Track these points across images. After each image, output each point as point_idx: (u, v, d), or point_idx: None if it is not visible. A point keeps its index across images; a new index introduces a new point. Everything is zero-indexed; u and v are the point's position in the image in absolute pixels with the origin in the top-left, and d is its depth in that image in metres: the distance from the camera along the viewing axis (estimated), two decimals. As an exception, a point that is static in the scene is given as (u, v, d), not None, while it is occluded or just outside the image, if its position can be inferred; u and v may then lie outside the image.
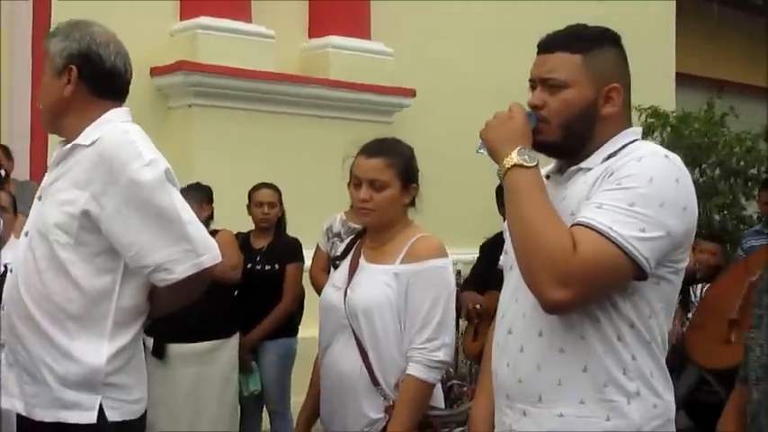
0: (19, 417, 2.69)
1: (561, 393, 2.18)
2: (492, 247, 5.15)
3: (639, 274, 2.08)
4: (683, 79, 11.43)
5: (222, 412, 5.18)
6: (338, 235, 5.32)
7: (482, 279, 5.36)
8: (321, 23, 8.08)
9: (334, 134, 7.29)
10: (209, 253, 2.64)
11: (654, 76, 10.64)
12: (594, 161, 2.24)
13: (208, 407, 5.09)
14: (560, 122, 2.23)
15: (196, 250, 2.60)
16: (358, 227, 4.98)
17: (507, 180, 2.16)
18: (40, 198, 2.71)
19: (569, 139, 2.25)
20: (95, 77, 2.69)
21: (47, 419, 2.58)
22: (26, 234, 2.70)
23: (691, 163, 10.18)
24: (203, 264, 2.61)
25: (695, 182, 8.03)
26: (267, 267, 5.49)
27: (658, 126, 10.23)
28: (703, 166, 10.22)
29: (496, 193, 5.10)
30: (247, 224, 5.77)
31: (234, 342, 5.27)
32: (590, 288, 2.06)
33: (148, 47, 6.94)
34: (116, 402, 2.61)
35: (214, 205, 5.53)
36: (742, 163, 10.00)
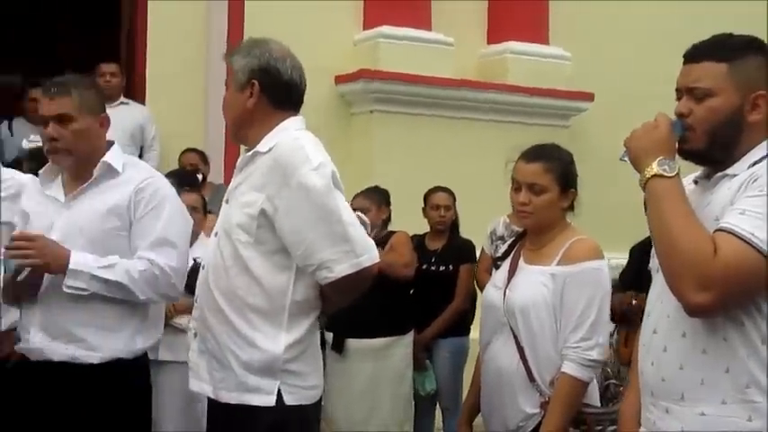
0: (208, 401, 2.92)
1: (703, 393, 2.21)
2: (641, 251, 5.13)
3: None
4: None
5: (396, 407, 5.30)
6: (502, 238, 5.35)
7: (630, 282, 5.32)
8: (499, 29, 8.10)
9: (511, 139, 7.05)
10: (368, 254, 2.78)
11: None
12: (740, 167, 2.26)
13: (383, 401, 5.22)
14: (706, 130, 2.27)
15: (355, 251, 2.75)
16: (521, 229, 5.09)
17: (648, 189, 2.24)
18: (227, 201, 2.93)
19: (715, 147, 2.29)
20: (274, 90, 2.88)
21: (232, 402, 2.79)
22: (215, 234, 2.92)
23: None
24: (361, 264, 2.75)
25: None
26: (441, 268, 5.61)
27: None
28: None
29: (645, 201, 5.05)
30: (423, 227, 5.90)
31: (408, 339, 5.39)
32: (731, 292, 2.10)
33: (333, 56, 7.20)
34: (293, 388, 2.78)
35: (392, 207, 5.65)
36: None
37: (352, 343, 5.13)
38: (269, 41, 2.98)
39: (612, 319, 5.54)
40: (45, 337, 3.11)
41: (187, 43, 7.34)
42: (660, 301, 2.35)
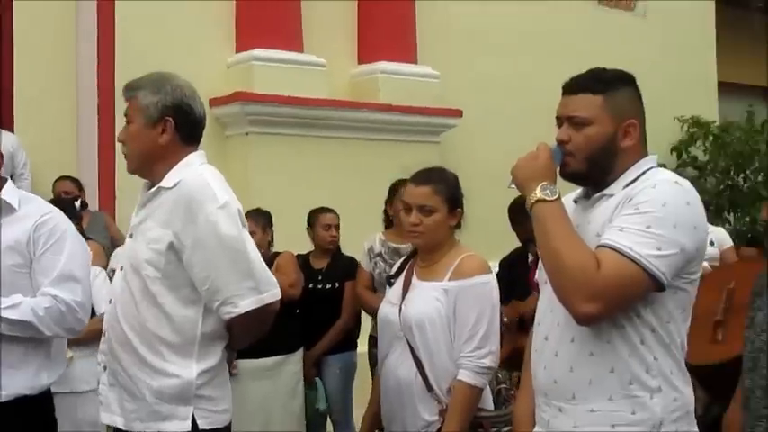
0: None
1: (592, 391, 2.43)
2: (510, 263, 5.43)
3: (658, 286, 2.34)
4: (725, 88, 11.45)
5: (289, 424, 5.38)
6: (380, 255, 5.48)
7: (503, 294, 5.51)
8: (370, 49, 8.23)
9: (384, 156, 7.52)
10: (271, 290, 2.88)
11: (696, 86, 10.80)
12: (616, 188, 2.50)
13: (275, 418, 5.29)
14: (585, 155, 2.50)
15: (258, 288, 2.84)
16: (399, 246, 5.27)
17: (534, 212, 2.45)
18: (131, 236, 2.98)
19: (593, 170, 2.52)
20: (187, 127, 2.96)
21: (147, 431, 2.85)
22: (121, 268, 2.96)
23: (734, 170, 10.32)
24: (264, 300, 2.85)
25: (739, 188, 8.35)
26: (328, 286, 5.72)
27: (700, 136, 10.36)
28: (747, 172, 10.34)
29: (508, 213, 5.39)
30: (302, 246, 5.97)
31: (298, 357, 5.48)
32: (615, 301, 2.33)
33: (206, 79, 7.07)
34: (206, 413, 2.86)
35: (274, 229, 5.71)
36: (785, 168, 10.07)
37: (243, 363, 5.16)
38: (175, 77, 3.04)
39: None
40: None
41: (56, 70, 7.23)
42: (550, 311, 2.55)
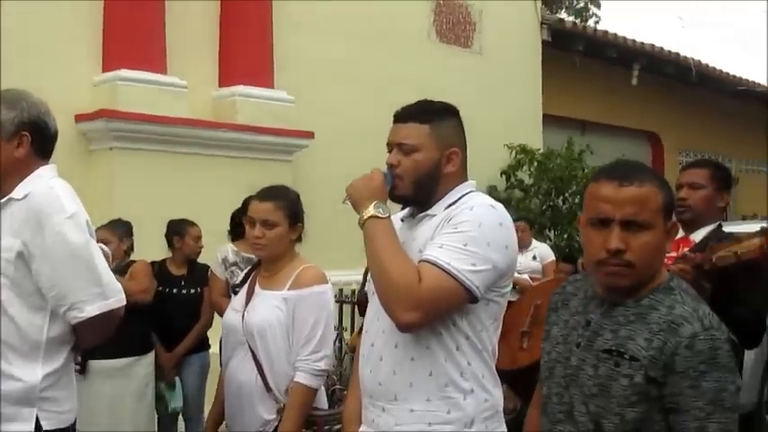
0: None
1: (412, 393, 2.48)
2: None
3: (472, 298, 2.40)
4: (549, 120, 11.90)
5: (139, 423, 5.25)
6: (235, 264, 5.46)
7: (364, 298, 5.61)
8: (229, 74, 8.19)
9: (240, 172, 7.46)
10: (116, 296, 2.80)
11: (524, 117, 11.21)
12: (438, 209, 2.57)
13: (125, 418, 5.14)
14: (412, 179, 2.55)
15: (104, 294, 2.76)
16: (251, 256, 5.24)
17: (365, 228, 2.48)
18: None
19: (419, 192, 2.57)
20: (42, 142, 2.86)
21: None
22: None
23: (555, 192, 10.71)
24: (110, 306, 2.77)
25: (559, 208, 8.63)
26: (191, 291, 5.69)
27: (526, 161, 10.73)
28: (566, 194, 10.75)
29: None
30: (161, 254, 5.88)
31: (149, 359, 5.35)
32: (433, 311, 2.38)
33: (73, 95, 7.01)
34: (49, 414, 2.74)
35: (134, 238, 5.59)
36: (598, 193, 10.52)
37: (94, 364, 5.01)
38: (29, 94, 2.92)
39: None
40: None
41: None
42: (377, 319, 2.58)
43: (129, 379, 5.20)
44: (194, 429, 5.77)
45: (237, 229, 5.54)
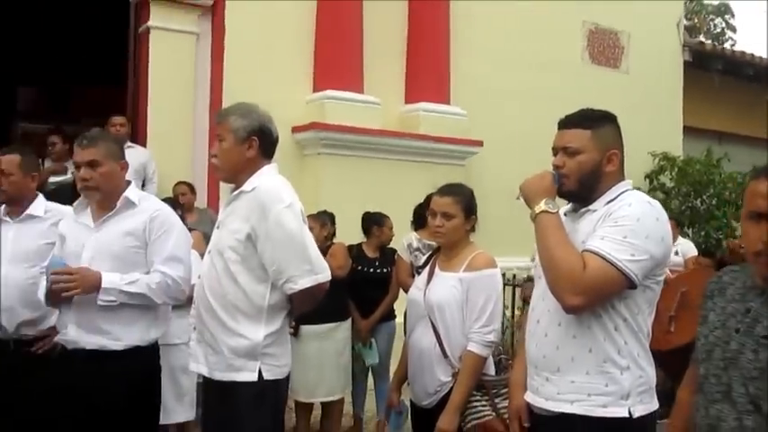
0: (203, 379, 2.92)
1: (573, 366, 2.33)
2: None
3: (631, 285, 2.24)
4: (689, 131, 11.18)
5: (339, 376, 5.31)
6: (418, 249, 5.38)
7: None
8: (414, 93, 8.17)
9: (421, 175, 7.40)
10: (323, 273, 2.83)
11: (665, 128, 10.58)
12: (599, 204, 2.40)
13: (327, 371, 5.21)
14: (577, 178, 2.41)
15: (314, 270, 2.79)
16: (431, 242, 5.18)
17: (537, 221, 2.35)
18: (218, 227, 2.92)
19: (582, 189, 2.42)
20: (267, 145, 2.92)
21: (224, 379, 2.80)
22: (209, 252, 2.91)
23: (693, 195, 10.05)
24: (318, 279, 2.81)
25: (697, 209, 8.05)
26: (382, 270, 5.66)
27: (668, 167, 10.13)
28: (704, 196, 10.07)
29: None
30: (357, 238, 5.87)
31: (347, 325, 5.39)
32: (596, 296, 2.24)
33: (290, 111, 7.21)
34: (270, 366, 2.80)
35: (336, 226, 5.70)
36: (733, 195, 9.83)
37: (304, 328, 5.10)
38: (257, 106, 2.99)
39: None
40: (80, 331, 3.06)
41: (178, 100, 7.24)
42: (542, 300, 2.45)
43: (330, 341, 5.26)
44: (381, 384, 5.76)
45: (420, 220, 5.50)
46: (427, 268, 3.39)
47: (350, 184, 7.30)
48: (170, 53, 7.20)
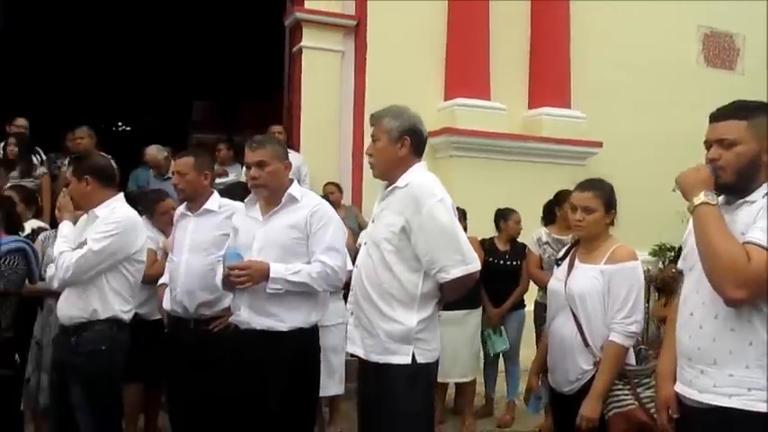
0: (359, 360, 2.80)
1: (731, 359, 2.04)
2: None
3: None
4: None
5: (471, 359, 5.13)
6: (547, 243, 5.08)
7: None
8: (536, 98, 7.86)
9: (544, 174, 7.19)
10: (474, 263, 2.67)
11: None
12: (757, 196, 2.08)
13: (461, 355, 5.03)
14: (735, 169, 2.10)
15: (465, 260, 2.64)
16: (561, 237, 4.90)
17: (696, 213, 2.06)
18: (373, 221, 2.82)
19: (740, 181, 2.11)
20: (418, 144, 2.79)
21: (380, 361, 2.69)
22: (365, 244, 2.81)
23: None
24: (469, 270, 2.65)
25: None
26: (513, 263, 5.40)
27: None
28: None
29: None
30: (488, 233, 5.64)
31: (479, 312, 5.19)
32: (759, 289, 1.94)
33: (424, 117, 6.99)
34: (421, 351, 2.67)
35: (468, 222, 5.43)
36: None
37: (441, 314, 4.89)
38: (407, 108, 2.87)
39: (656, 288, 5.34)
40: (251, 313, 3.04)
41: (326, 110, 7.29)
42: (696, 292, 2.16)
43: (464, 326, 5.08)
44: (511, 367, 5.52)
45: (549, 216, 5.21)
46: (567, 260, 3.13)
47: (479, 183, 7.08)
48: (319, 69, 7.27)
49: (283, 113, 7.62)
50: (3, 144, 6.08)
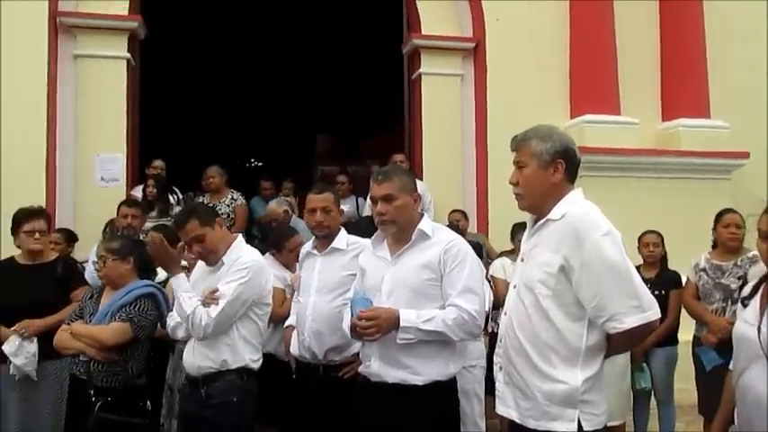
0: (512, 423, 2.30)
1: None
2: None
3: None
4: None
5: (620, 399, 4.46)
6: (704, 270, 4.37)
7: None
8: (671, 109, 7.00)
9: (684, 192, 6.39)
10: (653, 309, 2.13)
11: None
12: None
13: (609, 395, 4.33)
14: None
15: (642, 306, 2.11)
16: (720, 263, 4.16)
17: None
18: (522, 260, 2.34)
19: None
20: (572, 168, 2.30)
21: (540, 429, 2.18)
22: (514, 287, 2.32)
23: None
24: (648, 318, 2.12)
25: None
26: (656, 293, 4.58)
27: None
28: None
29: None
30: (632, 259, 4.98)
31: (627, 348, 4.54)
32: None
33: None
34: (588, 416, 2.16)
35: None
36: None
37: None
38: (556, 128, 2.38)
39: None
40: (382, 365, 2.63)
41: (448, 136, 6.87)
42: None
43: (611, 364, 4.28)
44: (664, 410, 4.76)
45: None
46: (756, 298, 2.47)
47: (614, 204, 6.02)
48: (439, 94, 6.90)
49: (405, 141, 7.28)
50: (143, 186, 6.12)
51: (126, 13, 6.28)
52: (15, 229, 3.79)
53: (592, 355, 2.16)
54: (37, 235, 3.77)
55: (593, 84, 6.73)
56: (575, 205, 2.23)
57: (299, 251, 3.70)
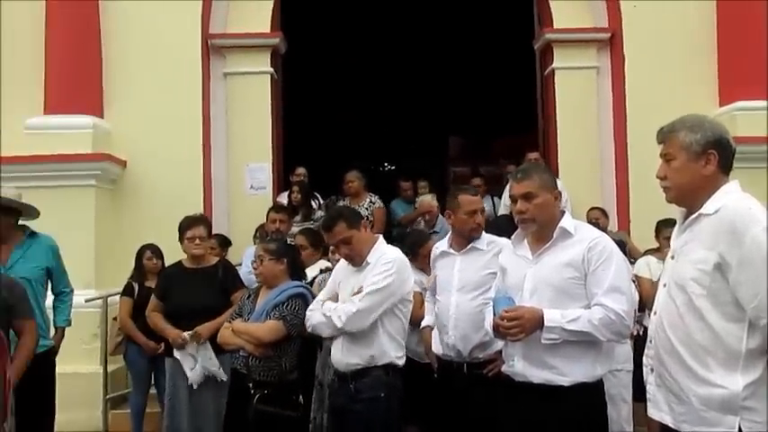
0: (664, 428, 2.16)
1: None
2: None
3: None
4: None
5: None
6: None
7: None
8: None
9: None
10: None
11: None
12: None
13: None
14: None
15: None
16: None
17: None
18: (673, 257, 2.19)
19: None
20: (726, 159, 2.15)
21: None
22: (664, 285, 2.19)
23: None
24: None
25: None
26: None
27: None
28: None
29: None
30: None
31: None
32: None
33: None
34: (750, 423, 1.99)
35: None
36: None
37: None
38: (707, 117, 2.24)
39: None
40: (526, 365, 2.58)
41: (583, 131, 6.59)
42: None
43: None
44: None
45: None
46: None
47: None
48: (573, 89, 6.65)
49: (539, 139, 7.10)
50: (288, 192, 6.44)
51: (268, 30, 6.65)
52: (181, 236, 4.14)
53: (753, 358, 1.99)
54: (197, 241, 4.09)
55: (744, 67, 6.14)
56: (730, 198, 2.07)
57: None
